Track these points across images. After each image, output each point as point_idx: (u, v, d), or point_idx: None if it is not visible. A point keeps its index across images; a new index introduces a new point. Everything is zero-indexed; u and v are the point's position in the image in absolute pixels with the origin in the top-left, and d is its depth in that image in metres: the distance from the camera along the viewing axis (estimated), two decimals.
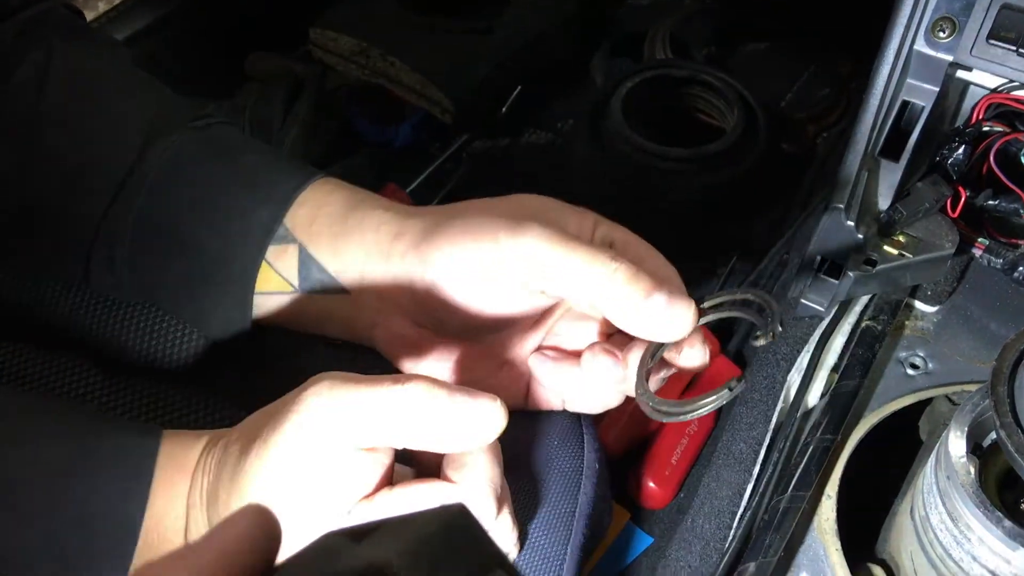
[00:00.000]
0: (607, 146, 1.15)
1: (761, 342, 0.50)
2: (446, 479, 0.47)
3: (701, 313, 0.52)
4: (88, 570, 0.48)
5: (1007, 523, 0.52)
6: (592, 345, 0.57)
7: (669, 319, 0.51)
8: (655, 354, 0.54)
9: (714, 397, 0.49)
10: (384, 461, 0.48)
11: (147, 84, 0.66)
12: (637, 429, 0.88)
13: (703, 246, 1.06)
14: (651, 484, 0.85)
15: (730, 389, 0.48)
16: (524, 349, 0.62)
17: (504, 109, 1.28)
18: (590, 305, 0.57)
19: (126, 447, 0.50)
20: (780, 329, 0.50)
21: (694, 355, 0.53)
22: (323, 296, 0.60)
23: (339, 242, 0.59)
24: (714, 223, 1.08)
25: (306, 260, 0.59)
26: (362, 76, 1.28)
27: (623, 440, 0.87)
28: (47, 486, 0.48)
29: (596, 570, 0.81)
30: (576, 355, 0.60)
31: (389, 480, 0.48)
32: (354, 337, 0.62)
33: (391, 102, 1.27)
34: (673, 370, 0.57)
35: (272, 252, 0.60)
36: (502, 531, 0.48)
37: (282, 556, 0.46)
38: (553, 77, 1.29)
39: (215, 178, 0.61)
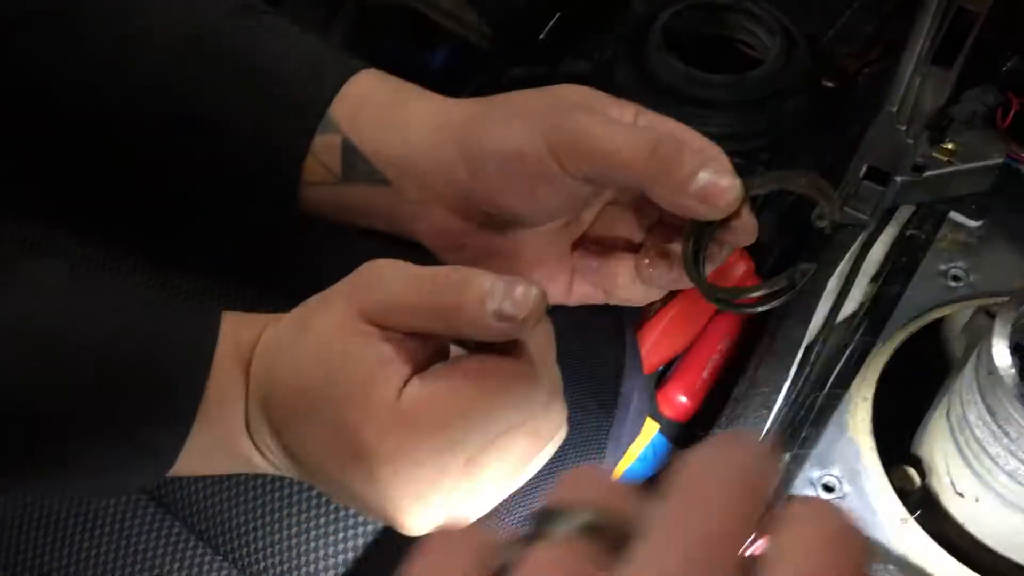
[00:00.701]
0: (647, 74, 1.15)
1: (824, 223, 0.50)
2: (502, 353, 0.48)
3: (748, 188, 0.52)
4: (158, 404, 0.49)
5: None
6: (647, 250, 0.57)
7: (714, 192, 0.51)
8: (701, 238, 0.54)
9: (767, 290, 0.49)
10: (429, 338, 0.48)
11: None
12: (671, 342, 0.88)
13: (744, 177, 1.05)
14: (681, 398, 0.86)
15: (794, 279, 0.48)
16: (566, 242, 0.62)
17: (542, 36, 1.27)
18: (634, 190, 0.57)
19: (190, 323, 0.51)
20: (839, 216, 0.49)
21: (743, 229, 0.53)
22: (365, 187, 0.60)
23: (382, 133, 0.59)
24: (755, 155, 1.07)
25: (350, 151, 0.60)
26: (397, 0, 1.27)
27: (657, 352, 0.87)
28: (115, 322, 0.49)
29: (623, 478, 0.82)
30: (620, 247, 0.61)
31: (445, 352, 0.49)
32: (396, 229, 0.62)
33: (427, 26, 1.26)
34: (720, 260, 0.57)
35: (317, 142, 0.60)
36: (551, 413, 0.49)
37: (337, 427, 0.47)
38: (592, 3, 1.28)
39: (263, 65, 0.61)
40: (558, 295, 0.62)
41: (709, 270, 0.57)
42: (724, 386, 0.86)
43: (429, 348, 0.48)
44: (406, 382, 0.47)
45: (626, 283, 0.59)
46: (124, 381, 0.49)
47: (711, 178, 0.51)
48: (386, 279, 0.48)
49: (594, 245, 0.61)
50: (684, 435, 0.86)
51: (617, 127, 0.54)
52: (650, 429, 0.85)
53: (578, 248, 0.61)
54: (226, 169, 0.62)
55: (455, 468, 0.47)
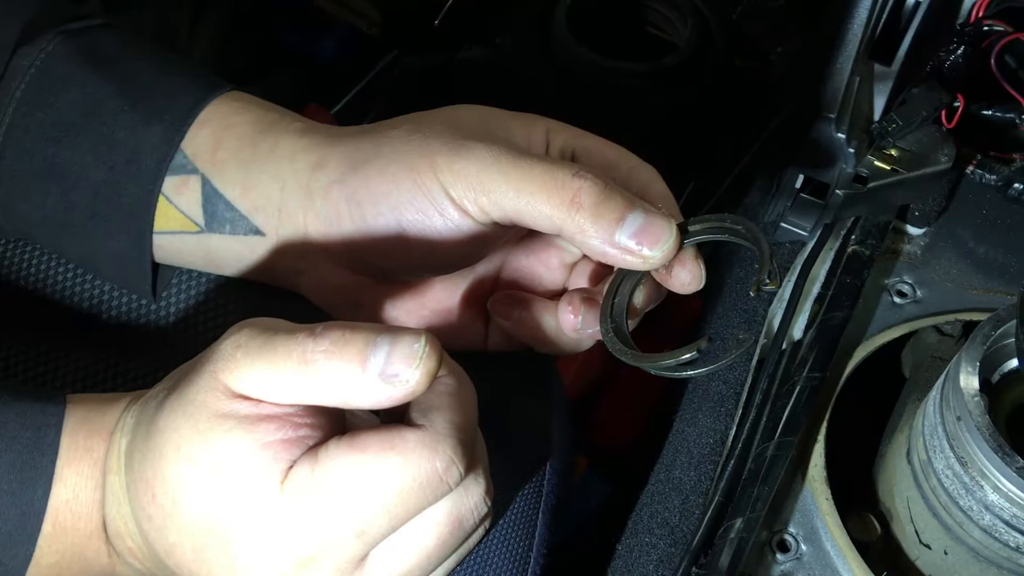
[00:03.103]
0: (552, 61, 1.07)
1: (772, 287, 0.43)
2: (410, 423, 0.40)
3: (685, 233, 0.45)
4: None
5: None
6: (569, 295, 0.50)
7: (647, 242, 0.44)
8: (621, 288, 0.47)
9: (687, 356, 0.42)
10: (318, 412, 0.40)
11: None
12: (593, 371, 0.81)
13: (661, 169, 0.98)
14: (609, 426, 0.79)
15: (699, 351, 0.42)
16: (477, 288, 0.54)
17: (437, 21, 1.18)
18: (553, 233, 0.49)
19: (25, 420, 0.43)
20: (780, 283, 0.43)
21: (686, 276, 0.46)
22: (235, 238, 0.51)
23: (250, 173, 0.50)
24: (671, 144, 1.01)
25: (211, 195, 0.50)
26: None
27: (579, 383, 0.80)
28: None
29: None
30: (541, 291, 0.53)
31: (341, 428, 0.42)
32: (276, 284, 0.53)
33: (314, 13, 1.15)
34: (654, 305, 0.50)
35: (170, 184, 0.51)
36: (473, 496, 0.41)
37: (210, 525, 0.39)
38: None
39: (93, 92, 0.51)
40: (473, 345, 0.54)
41: (637, 321, 0.50)
42: (657, 414, 0.79)
43: (322, 419, 0.41)
44: (292, 464, 0.39)
45: (552, 332, 0.52)
46: None
47: (641, 224, 0.44)
48: (252, 349, 0.39)
49: (512, 294, 0.53)
50: (617, 468, 0.79)
51: (526, 163, 0.45)
52: (579, 464, 0.79)
53: (495, 299, 0.53)
54: (63, 217, 0.52)
55: (342, 566, 0.40)
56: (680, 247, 0.45)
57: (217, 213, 0.51)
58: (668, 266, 0.45)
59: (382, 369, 0.38)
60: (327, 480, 0.39)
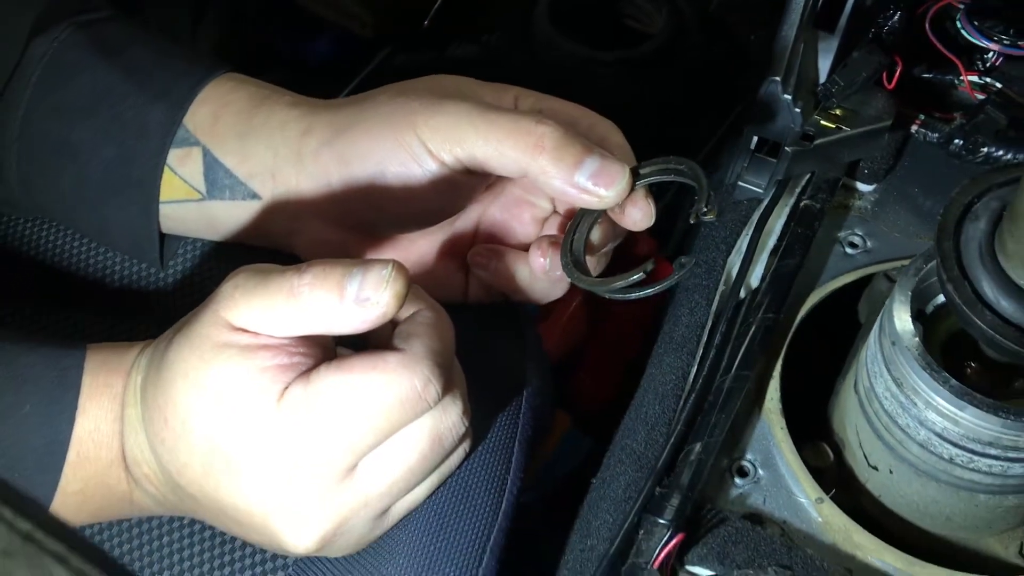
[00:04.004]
0: (537, 55, 1.12)
1: (711, 217, 0.48)
2: (392, 348, 0.45)
3: (637, 176, 0.50)
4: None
5: (954, 382, 0.51)
6: (539, 241, 0.55)
7: (600, 182, 0.49)
8: (580, 224, 0.52)
9: (635, 278, 0.47)
10: (310, 343, 0.45)
11: None
12: (576, 333, 0.85)
13: (644, 153, 1.03)
14: (591, 385, 0.84)
15: (645, 272, 0.47)
16: (455, 243, 0.59)
17: (426, 21, 1.23)
18: (521, 178, 0.54)
19: (49, 362, 0.48)
20: (715, 212, 0.49)
21: (638, 214, 0.51)
22: (234, 203, 0.56)
23: (246, 143, 0.55)
24: (653, 130, 1.05)
25: (212, 164, 0.56)
26: None
27: (562, 345, 0.85)
28: None
29: (541, 478, 0.79)
30: (515, 244, 0.58)
31: (331, 356, 0.46)
32: (272, 244, 0.58)
33: (306, 16, 1.21)
34: (612, 244, 0.55)
35: (174, 156, 0.56)
36: (451, 416, 0.46)
37: (216, 443, 0.44)
38: None
39: (103, 77, 0.56)
40: (454, 296, 0.59)
41: (603, 263, 0.55)
42: (638, 371, 0.84)
43: (314, 349, 0.45)
44: (287, 386, 0.44)
45: (526, 280, 0.57)
46: None
47: (598, 167, 0.49)
48: (248, 288, 0.45)
49: (490, 247, 0.58)
50: (599, 424, 0.84)
51: (495, 114, 0.51)
52: (562, 421, 0.83)
53: (474, 252, 0.58)
54: (78, 192, 0.57)
55: (333, 474, 0.44)
56: (633, 188, 0.50)
57: (217, 180, 0.56)
58: (622, 205, 0.50)
59: (356, 295, 0.43)
60: (318, 398, 0.44)
